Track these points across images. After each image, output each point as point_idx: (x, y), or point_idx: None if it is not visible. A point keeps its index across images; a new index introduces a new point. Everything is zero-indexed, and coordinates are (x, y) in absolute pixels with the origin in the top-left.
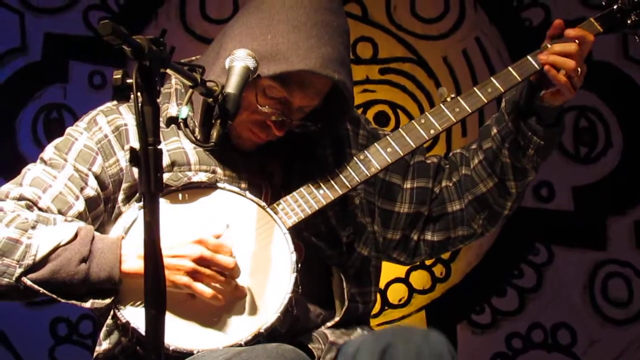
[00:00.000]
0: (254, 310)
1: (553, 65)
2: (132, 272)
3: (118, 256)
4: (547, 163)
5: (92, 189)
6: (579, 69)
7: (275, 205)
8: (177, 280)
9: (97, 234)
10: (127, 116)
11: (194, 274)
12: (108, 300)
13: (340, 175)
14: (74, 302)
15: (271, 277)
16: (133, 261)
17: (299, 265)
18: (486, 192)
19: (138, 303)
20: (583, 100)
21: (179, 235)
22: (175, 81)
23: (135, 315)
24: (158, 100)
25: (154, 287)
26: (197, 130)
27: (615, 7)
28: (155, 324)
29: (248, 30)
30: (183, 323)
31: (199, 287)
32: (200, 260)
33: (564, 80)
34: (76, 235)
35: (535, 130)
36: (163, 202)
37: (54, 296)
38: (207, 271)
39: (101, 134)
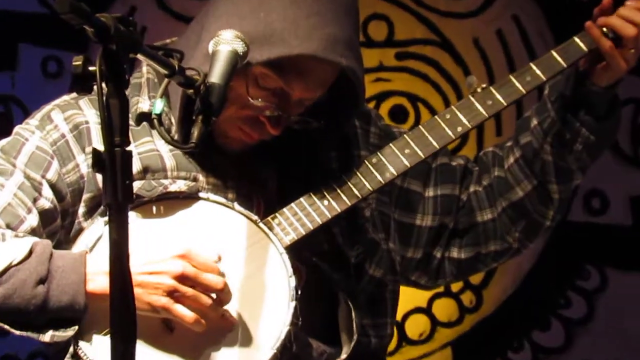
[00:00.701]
0: (244, 345)
1: (605, 25)
2: (101, 293)
3: (82, 275)
4: (599, 168)
5: (46, 200)
6: (637, 42)
7: (269, 219)
8: (155, 301)
9: (55, 250)
10: (88, 112)
11: (173, 294)
12: (70, 332)
13: (349, 183)
14: (30, 334)
15: (265, 305)
16: (101, 279)
17: (299, 292)
18: (523, 197)
19: (104, 334)
20: None
21: (156, 252)
22: (147, 69)
23: (101, 351)
24: (127, 92)
25: (122, 317)
26: (174, 128)
27: None
28: None
29: (236, 7)
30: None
31: (179, 309)
32: (182, 278)
33: (609, 45)
34: (31, 252)
35: (584, 121)
36: (133, 216)
37: (6, 327)
38: (189, 291)
39: (57, 133)
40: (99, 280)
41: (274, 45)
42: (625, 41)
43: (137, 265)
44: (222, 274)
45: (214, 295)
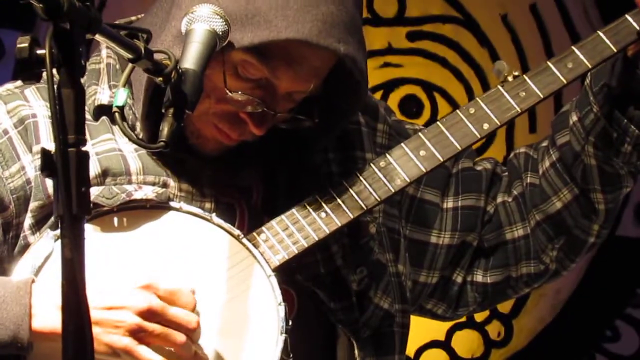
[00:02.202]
0: None
1: None
2: (48, 331)
3: (27, 307)
4: None
5: None
6: None
7: (255, 234)
8: (115, 342)
9: None
10: (36, 103)
11: (137, 334)
12: None
13: (351, 191)
14: None
15: (249, 339)
16: (49, 314)
17: (290, 323)
18: (562, 209)
19: None
20: None
21: (116, 279)
22: (107, 53)
23: None
24: (82, 81)
25: (77, 356)
26: (139, 124)
27: None
28: None
29: None
30: None
31: (144, 353)
32: (148, 314)
33: None
34: None
35: (633, 117)
36: (90, 230)
37: None
38: (157, 329)
39: None
40: (47, 315)
41: (257, 27)
42: None
43: (94, 297)
44: (195, 307)
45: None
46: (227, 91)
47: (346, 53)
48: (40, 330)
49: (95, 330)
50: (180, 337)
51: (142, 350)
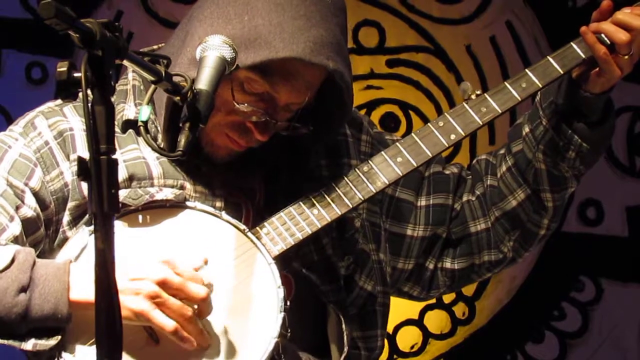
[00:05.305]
0: (231, 358)
1: (597, 32)
2: (84, 301)
3: (65, 284)
4: (594, 178)
5: (29, 208)
6: (630, 48)
7: (258, 228)
8: (135, 306)
9: (39, 259)
10: (72, 119)
11: (154, 299)
12: (53, 342)
13: (339, 192)
14: (11, 342)
15: (253, 317)
16: (85, 287)
17: (288, 303)
18: (517, 207)
19: (89, 344)
20: (639, 98)
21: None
22: (132, 76)
23: None
24: (112, 99)
25: (107, 327)
26: (160, 136)
27: None
28: None
29: (220, 10)
30: None
31: (159, 316)
32: (164, 284)
33: (603, 51)
34: (13, 260)
35: (576, 128)
36: (119, 225)
37: None
38: (171, 300)
39: (41, 140)
40: (82, 288)
41: (259, 48)
42: (618, 47)
43: (121, 271)
44: (205, 284)
45: (195, 306)
46: (235, 104)
47: (334, 69)
48: (77, 300)
49: (121, 298)
50: (189, 309)
51: (156, 313)
